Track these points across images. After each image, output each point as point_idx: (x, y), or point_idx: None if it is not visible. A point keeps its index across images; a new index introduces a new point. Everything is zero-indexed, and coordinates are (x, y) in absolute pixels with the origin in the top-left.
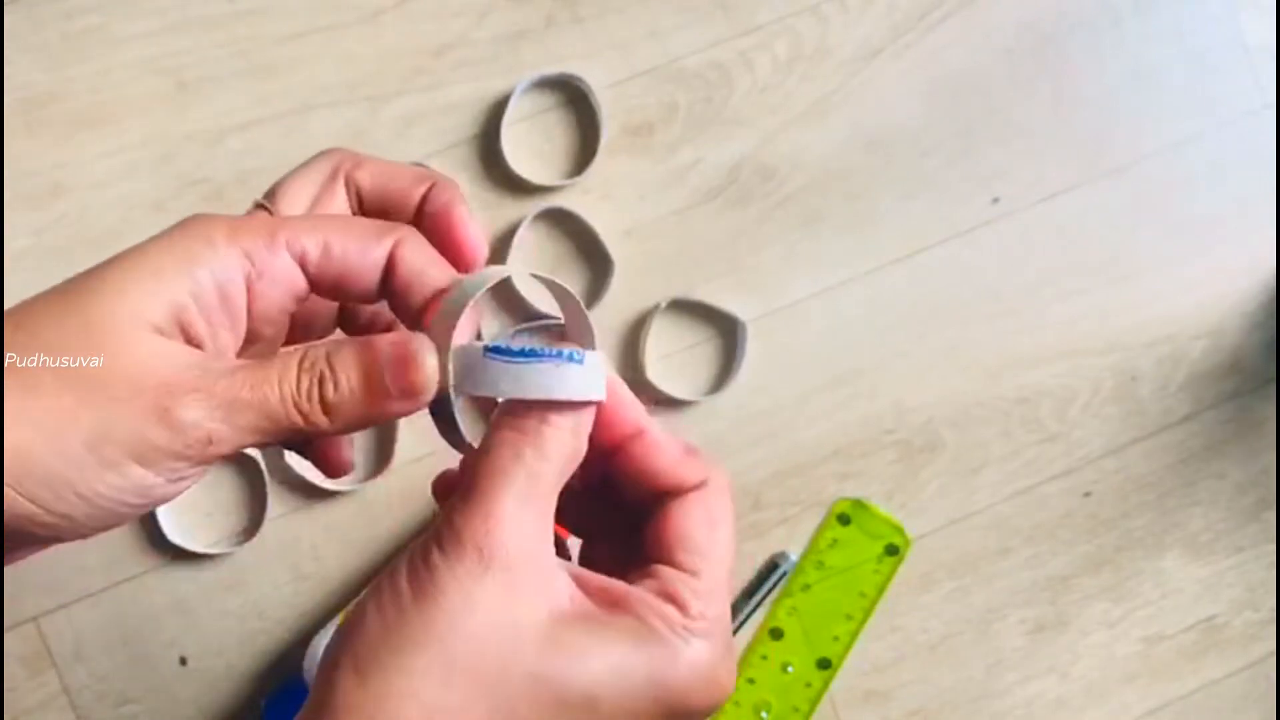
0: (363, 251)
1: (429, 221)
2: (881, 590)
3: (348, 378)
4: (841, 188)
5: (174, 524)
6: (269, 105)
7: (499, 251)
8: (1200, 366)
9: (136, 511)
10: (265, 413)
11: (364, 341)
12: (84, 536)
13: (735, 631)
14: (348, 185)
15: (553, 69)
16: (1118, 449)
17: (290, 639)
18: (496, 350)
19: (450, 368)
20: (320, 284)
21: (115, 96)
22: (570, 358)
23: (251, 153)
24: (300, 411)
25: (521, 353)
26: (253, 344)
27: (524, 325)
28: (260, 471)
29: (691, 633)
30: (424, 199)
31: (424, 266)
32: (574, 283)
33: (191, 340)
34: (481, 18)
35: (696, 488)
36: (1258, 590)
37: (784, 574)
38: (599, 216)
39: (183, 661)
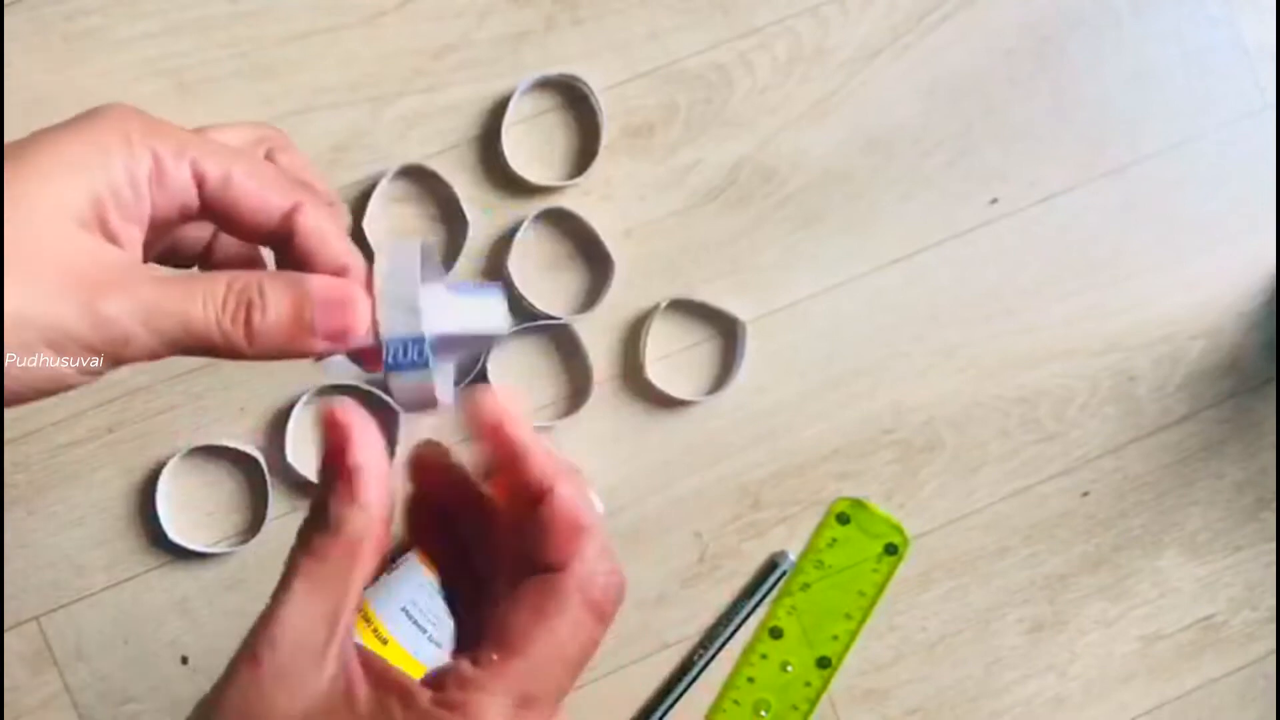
0: (262, 198)
1: (304, 258)
2: (880, 589)
3: (277, 309)
4: (841, 188)
5: (175, 524)
6: (270, 106)
7: (500, 252)
8: (1198, 366)
9: (40, 396)
10: (186, 325)
11: (298, 277)
12: None
13: (734, 631)
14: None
15: (553, 70)
16: (1116, 449)
17: None
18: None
19: (384, 311)
20: (210, 209)
21: (117, 97)
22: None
23: None
24: (222, 330)
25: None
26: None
27: (525, 325)
28: (262, 471)
29: (427, 716)
30: (292, 217)
31: (326, 236)
32: (575, 283)
33: (108, 232)
34: (482, 19)
35: (555, 569)
36: (1256, 589)
37: (783, 573)
38: (599, 217)
39: (184, 661)
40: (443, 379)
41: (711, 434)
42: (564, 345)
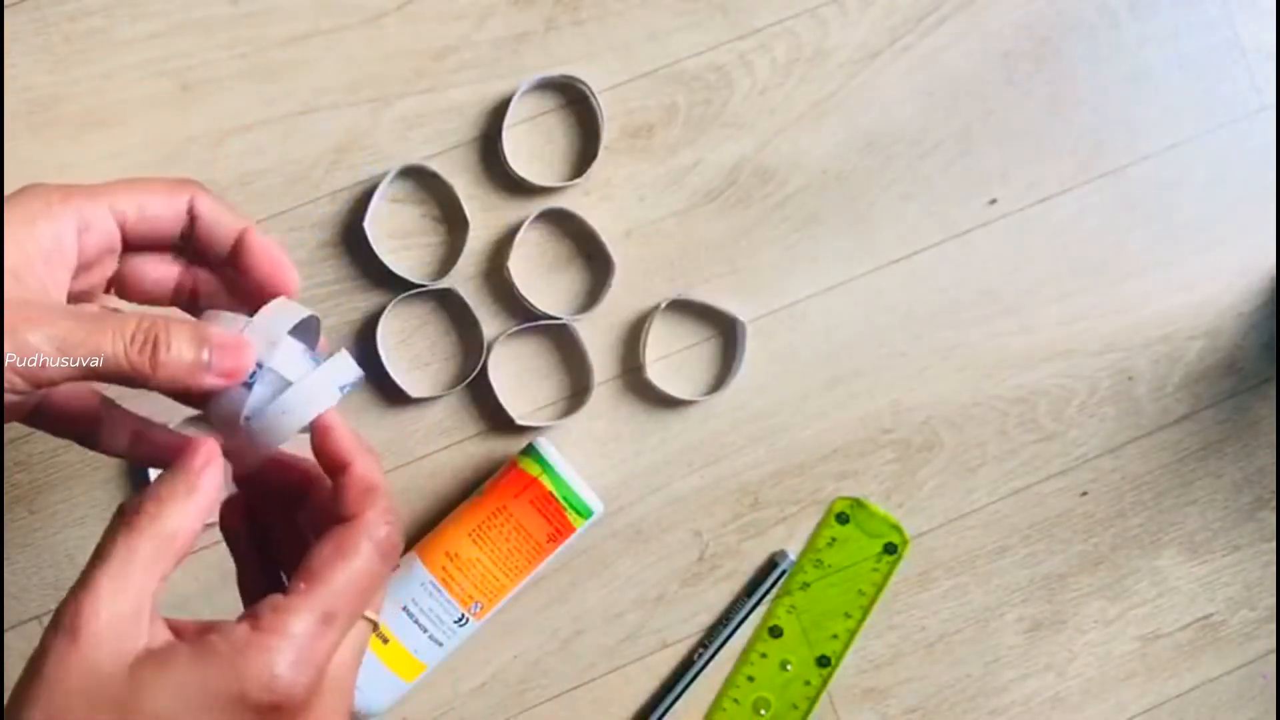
0: (167, 204)
1: (209, 231)
2: (880, 588)
3: (179, 345)
4: (840, 189)
5: None
6: (271, 107)
7: (501, 252)
8: (1197, 367)
9: None
10: (97, 353)
11: (198, 322)
12: None
13: (734, 630)
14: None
15: (553, 71)
16: (1115, 448)
17: None
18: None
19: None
20: (134, 237)
21: (119, 98)
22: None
23: (254, 154)
24: (130, 359)
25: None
26: (81, 273)
27: (525, 325)
28: None
29: (248, 642)
30: (192, 207)
31: (220, 214)
32: (575, 283)
33: (36, 282)
34: (482, 20)
35: (347, 519)
36: (1254, 589)
37: (783, 573)
38: (599, 217)
39: None
40: (267, 428)
41: (711, 434)
42: (564, 345)
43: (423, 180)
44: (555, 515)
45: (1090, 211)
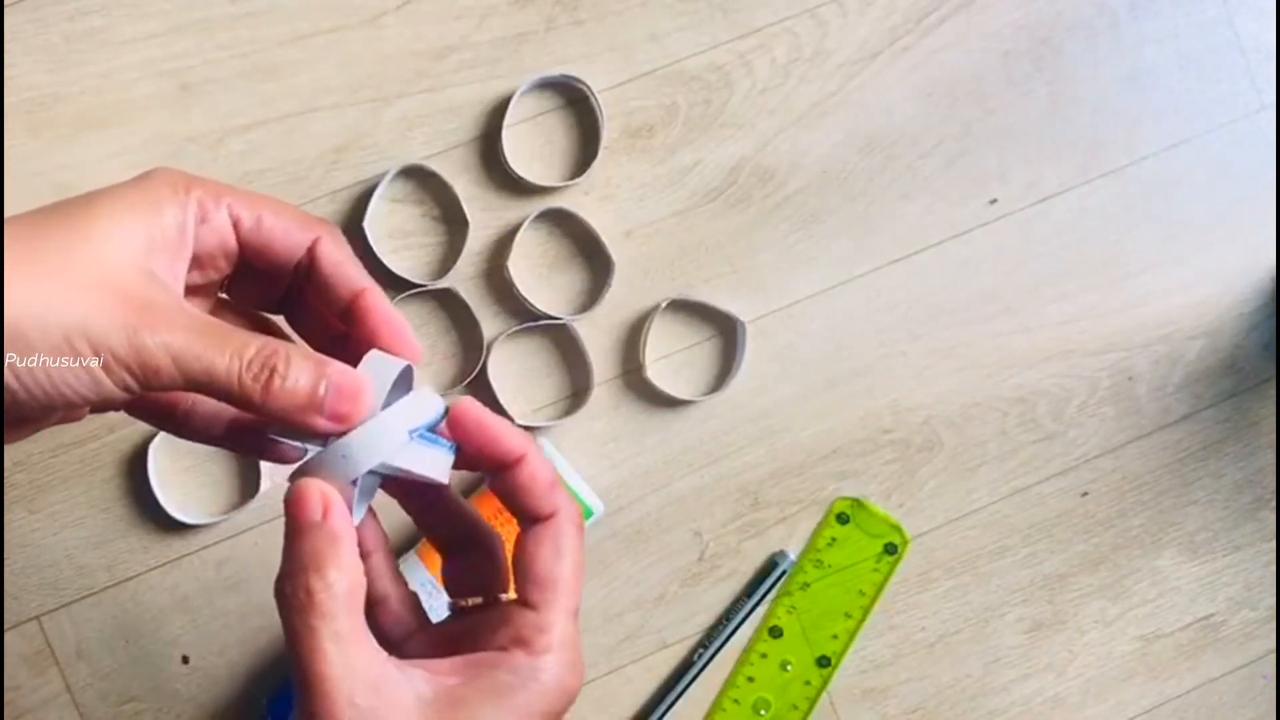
0: (287, 233)
1: (326, 281)
2: (880, 589)
3: (297, 379)
4: (840, 189)
5: (175, 502)
6: (271, 107)
7: (500, 252)
8: (1197, 366)
9: (82, 403)
10: (210, 373)
11: (321, 359)
12: (35, 421)
13: (734, 630)
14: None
15: (553, 71)
16: (1115, 448)
17: None
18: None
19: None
20: (247, 248)
21: (118, 98)
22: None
23: (254, 154)
24: (241, 384)
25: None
26: (195, 268)
27: (525, 325)
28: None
29: (538, 666)
30: (314, 249)
31: (342, 262)
32: (575, 284)
33: (159, 270)
34: (482, 20)
35: (548, 518)
36: (1255, 589)
37: (783, 573)
38: (599, 217)
39: (185, 660)
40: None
41: (711, 434)
42: (564, 345)
43: (423, 180)
44: None
45: (1090, 211)
